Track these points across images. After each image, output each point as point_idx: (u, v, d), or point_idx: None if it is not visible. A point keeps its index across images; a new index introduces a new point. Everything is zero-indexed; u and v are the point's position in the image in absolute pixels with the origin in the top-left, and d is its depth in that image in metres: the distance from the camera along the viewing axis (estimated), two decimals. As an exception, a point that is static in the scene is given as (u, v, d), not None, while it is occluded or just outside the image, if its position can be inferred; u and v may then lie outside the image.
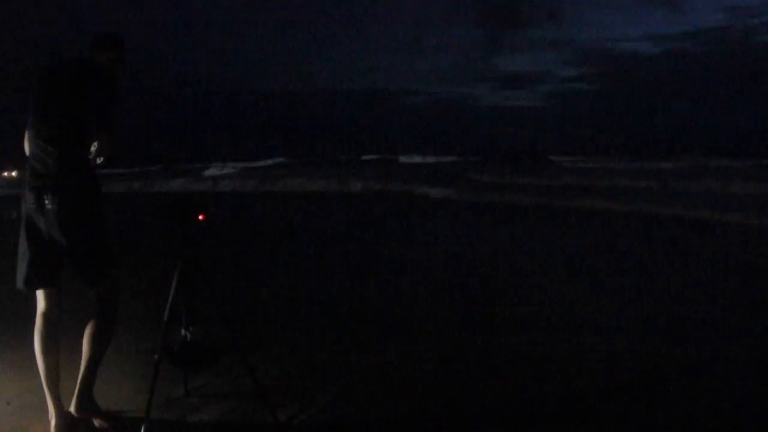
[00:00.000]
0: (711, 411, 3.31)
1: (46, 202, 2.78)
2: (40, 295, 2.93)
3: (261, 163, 42.60)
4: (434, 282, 6.67)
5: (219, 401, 3.32)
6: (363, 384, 3.64)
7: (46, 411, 3.12)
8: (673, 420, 3.18)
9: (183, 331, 3.22)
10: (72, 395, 2.99)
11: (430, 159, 45.13)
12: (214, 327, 3.25)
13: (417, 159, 45.80)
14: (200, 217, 3.12)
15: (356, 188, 20.48)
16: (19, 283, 2.91)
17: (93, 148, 2.90)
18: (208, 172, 35.72)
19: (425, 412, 3.27)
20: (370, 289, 6.31)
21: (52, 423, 2.85)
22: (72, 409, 2.97)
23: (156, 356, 3.00)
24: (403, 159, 46.40)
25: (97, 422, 2.98)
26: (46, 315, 2.90)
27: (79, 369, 2.97)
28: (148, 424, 2.86)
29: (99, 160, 2.93)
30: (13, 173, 41.16)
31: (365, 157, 49.03)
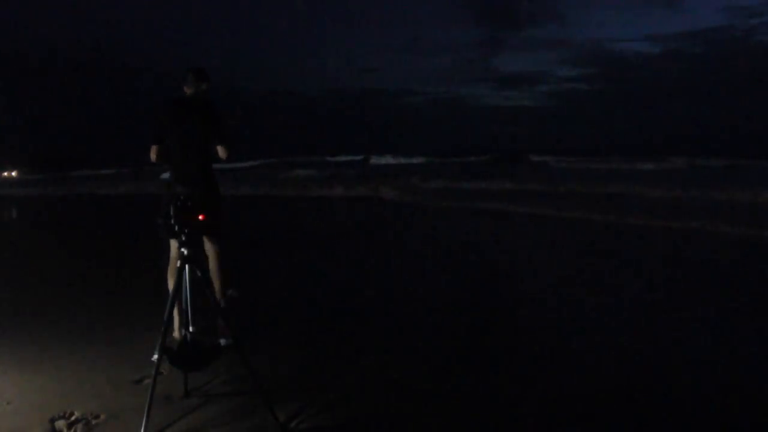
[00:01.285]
0: (710, 411, 3.32)
1: (196, 184, 4.17)
2: (174, 246, 4.24)
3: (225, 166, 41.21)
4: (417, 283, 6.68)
5: (219, 401, 3.32)
6: (363, 384, 3.64)
7: (46, 411, 3.14)
8: (671, 419, 3.19)
9: (183, 331, 3.22)
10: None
11: (402, 160, 44.83)
12: (213, 327, 3.26)
13: (388, 160, 45.57)
14: (200, 217, 3.13)
15: (290, 192, 20.12)
16: (169, 237, 4.19)
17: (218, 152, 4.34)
18: (166, 175, 34.00)
19: (425, 412, 3.27)
20: (370, 289, 6.32)
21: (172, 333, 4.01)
22: (222, 303, 4.24)
23: (156, 356, 3.01)
24: (374, 160, 46.08)
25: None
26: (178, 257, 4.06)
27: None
28: (148, 424, 2.86)
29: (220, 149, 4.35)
30: (13, 173, 41.18)
31: (340, 159, 48.28)
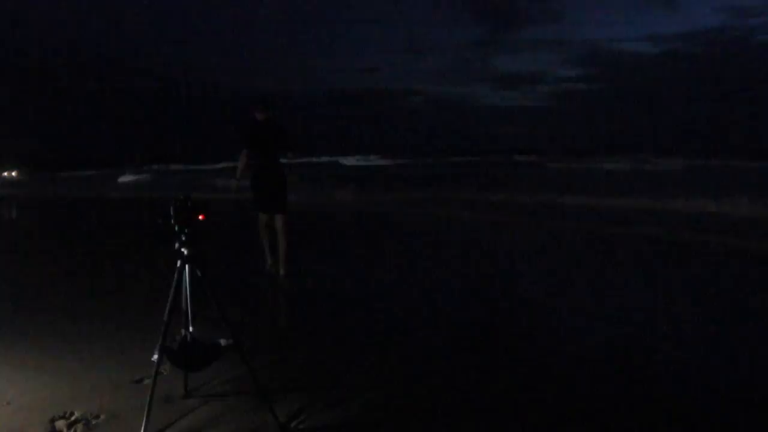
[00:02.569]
0: (706, 410, 3.32)
1: (273, 178, 6.49)
2: (262, 215, 6.58)
3: (192, 168, 40.47)
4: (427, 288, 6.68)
5: (219, 401, 3.32)
6: (363, 384, 3.64)
7: (46, 411, 3.14)
8: (668, 418, 3.19)
9: (183, 331, 3.22)
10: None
11: (381, 162, 45.01)
12: (214, 327, 3.25)
13: (379, 161, 45.85)
14: (200, 217, 3.12)
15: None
16: (258, 211, 6.61)
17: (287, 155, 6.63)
18: (123, 179, 33.47)
19: (426, 412, 3.27)
20: (370, 289, 6.32)
21: (268, 264, 6.67)
22: (282, 272, 6.49)
23: (156, 356, 3.00)
24: (346, 161, 46.13)
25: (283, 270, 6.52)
26: (265, 222, 6.57)
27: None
28: (148, 424, 2.86)
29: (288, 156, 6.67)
30: (13, 173, 41.17)
31: (316, 160, 48.17)
